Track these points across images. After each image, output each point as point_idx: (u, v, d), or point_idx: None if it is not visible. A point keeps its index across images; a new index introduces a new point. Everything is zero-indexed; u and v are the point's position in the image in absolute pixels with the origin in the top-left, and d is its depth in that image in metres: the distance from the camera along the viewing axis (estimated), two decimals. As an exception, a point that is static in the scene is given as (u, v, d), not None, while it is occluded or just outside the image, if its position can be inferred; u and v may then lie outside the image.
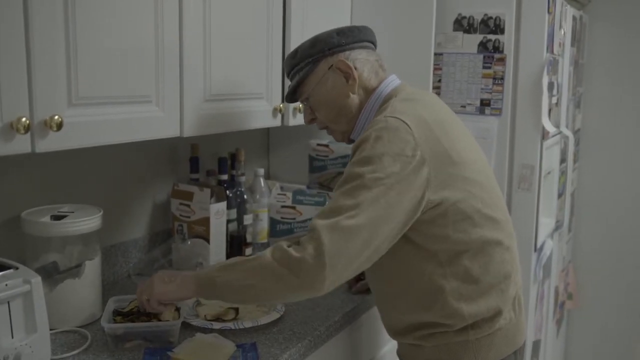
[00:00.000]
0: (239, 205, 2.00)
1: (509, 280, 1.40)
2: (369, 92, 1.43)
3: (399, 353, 1.52)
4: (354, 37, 1.43)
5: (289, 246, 1.21)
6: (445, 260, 1.32)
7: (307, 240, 1.19)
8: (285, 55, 1.80)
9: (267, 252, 1.23)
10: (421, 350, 1.40)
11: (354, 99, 1.42)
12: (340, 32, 1.43)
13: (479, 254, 1.34)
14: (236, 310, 1.52)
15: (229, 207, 1.92)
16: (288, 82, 1.55)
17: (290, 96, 1.51)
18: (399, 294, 1.39)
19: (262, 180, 2.13)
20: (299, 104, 1.87)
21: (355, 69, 1.41)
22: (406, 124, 1.27)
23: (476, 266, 1.34)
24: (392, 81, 1.44)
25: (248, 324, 1.47)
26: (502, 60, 2.24)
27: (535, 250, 2.38)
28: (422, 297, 1.35)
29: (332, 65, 1.41)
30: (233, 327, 1.45)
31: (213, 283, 1.28)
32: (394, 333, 1.48)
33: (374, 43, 1.49)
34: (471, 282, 1.34)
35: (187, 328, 1.44)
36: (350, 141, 1.49)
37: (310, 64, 1.43)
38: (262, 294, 1.25)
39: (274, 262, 1.20)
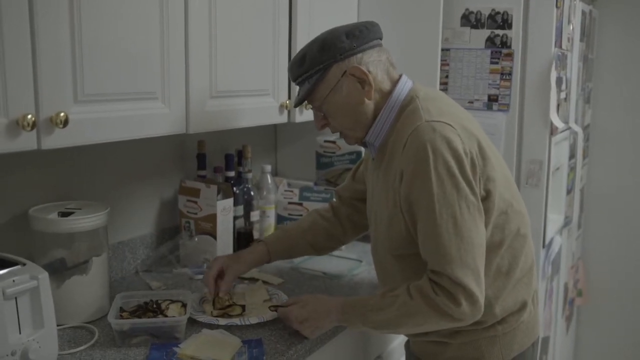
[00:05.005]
0: (245, 202, 2.00)
1: (532, 271, 1.42)
2: (384, 94, 1.38)
3: (414, 350, 1.50)
4: (363, 38, 1.35)
5: (434, 292, 1.24)
6: None
7: (451, 289, 1.23)
8: (292, 53, 1.80)
9: (419, 300, 1.26)
10: (447, 347, 1.40)
11: (370, 104, 1.36)
12: (349, 33, 1.34)
13: (509, 248, 1.35)
14: (242, 306, 1.52)
15: (235, 203, 1.92)
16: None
17: (300, 104, 1.44)
18: None
19: (269, 176, 2.13)
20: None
21: (369, 72, 1.34)
22: (449, 125, 1.27)
23: (506, 262, 1.35)
24: (406, 83, 1.40)
25: (254, 320, 1.47)
26: (509, 55, 2.23)
27: (543, 246, 2.37)
28: None
29: (345, 72, 1.34)
30: (239, 323, 1.45)
31: (361, 319, 1.35)
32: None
33: (381, 38, 1.44)
34: (502, 278, 1.35)
35: (194, 324, 1.44)
36: (363, 144, 1.43)
37: (321, 70, 1.35)
38: (416, 329, 1.36)
39: (436, 312, 1.25)
